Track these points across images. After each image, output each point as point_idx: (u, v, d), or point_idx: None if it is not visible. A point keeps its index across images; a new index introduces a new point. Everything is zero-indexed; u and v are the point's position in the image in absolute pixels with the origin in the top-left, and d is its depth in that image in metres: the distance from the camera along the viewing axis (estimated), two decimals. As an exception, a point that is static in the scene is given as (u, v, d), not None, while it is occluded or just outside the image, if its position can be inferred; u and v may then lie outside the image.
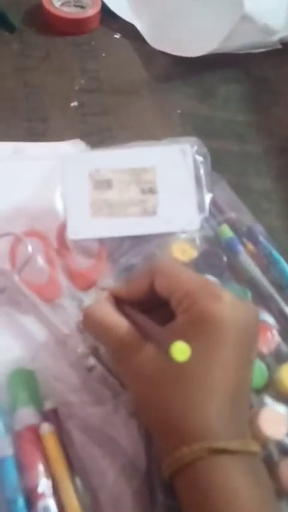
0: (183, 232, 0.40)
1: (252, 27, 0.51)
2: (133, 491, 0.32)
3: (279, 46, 0.56)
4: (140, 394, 0.31)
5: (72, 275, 0.39)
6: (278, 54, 0.56)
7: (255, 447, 0.28)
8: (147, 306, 0.32)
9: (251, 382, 0.31)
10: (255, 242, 0.40)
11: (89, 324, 0.33)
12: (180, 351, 0.26)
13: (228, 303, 0.29)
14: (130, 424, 0.33)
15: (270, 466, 0.31)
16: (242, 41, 0.53)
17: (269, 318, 0.37)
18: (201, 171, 0.42)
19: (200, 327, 0.29)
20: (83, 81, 0.53)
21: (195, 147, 0.42)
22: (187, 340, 0.27)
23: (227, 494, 0.26)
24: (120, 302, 0.33)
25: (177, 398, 0.28)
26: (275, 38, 0.54)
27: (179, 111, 0.52)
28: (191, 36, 0.55)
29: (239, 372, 0.29)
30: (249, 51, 0.55)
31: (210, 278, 0.38)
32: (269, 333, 0.36)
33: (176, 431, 0.28)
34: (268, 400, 0.34)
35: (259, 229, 0.41)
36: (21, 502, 0.30)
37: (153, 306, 0.32)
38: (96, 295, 0.38)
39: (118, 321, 0.31)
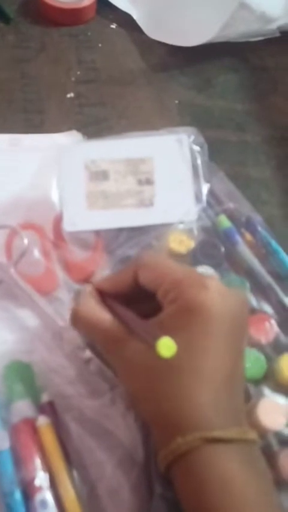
0: (181, 223, 0.40)
1: (250, 15, 0.51)
2: (131, 483, 0.32)
3: (278, 34, 0.55)
4: (132, 388, 0.30)
5: (69, 267, 0.39)
6: (277, 42, 0.56)
7: (251, 435, 0.28)
8: (133, 298, 0.32)
9: (244, 370, 0.31)
10: (254, 232, 0.40)
11: (77, 322, 0.33)
12: (166, 346, 0.26)
13: (214, 291, 0.29)
14: (127, 416, 0.33)
15: (270, 457, 0.31)
16: (240, 30, 0.52)
17: (267, 308, 0.37)
18: (199, 161, 0.41)
19: (187, 317, 0.28)
20: (79, 72, 0.53)
21: (192, 137, 0.42)
22: (175, 330, 0.26)
23: (223, 484, 0.26)
24: (105, 296, 0.33)
25: (168, 389, 0.28)
26: (273, 26, 0.53)
27: (176, 101, 0.52)
28: (188, 26, 0.54)
29: (230, 360, 0.29)
30: (248, 39, 0.54)
31: (208, 269, 0.38)
32: (267, 324, 0.36)
33: (169, 423, 0.28)
34: (267, 391, 0.34)
35: (258, 219, 0.40)
36: (18, 495, 0.30)
37: (139, 299, 0.32)
38: (80, 292, 0.37)
39: (102, 316, 0.31)
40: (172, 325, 0.28)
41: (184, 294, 0.29)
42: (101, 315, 0.31)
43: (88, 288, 0.33)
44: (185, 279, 0.30)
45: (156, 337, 0.26)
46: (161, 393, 0.28)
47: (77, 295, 0.34)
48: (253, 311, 0.37)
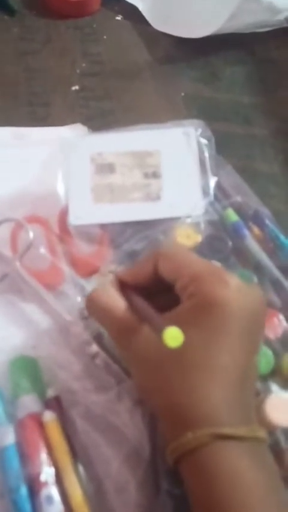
0: (188, 217, 0.39)
1: (257, 6, 0.50)
2: (137, 479, 0.32)
3: (286, 25, 0.54)
4: (142, 379, 0.30)
5: (74, 261, 0.39)
6: (284, 34, 0.55)
7: (261, 434, 0.28)
8: (152, 290, 0.32)
9: (257, 369, 0.31)
10: (262, 226, 0.39)
11: (92, 308, 0.32)
12: (173, 336, 0.25)
13: (234, 288, 0.29)
14: (134, 412, 0.33)
15: (277, 453, 0.31)
16: (246, 21, 0.52)
17: (275, 303, 0.36)
18: (206, 154, 0.41)
19: (205, 313, 0.28)
20: (84, 65, 0.53)
21: (200, 130, 0.42)
22: (192, 325, 0.26)
23: (232, 481, 0.26)
24: (124, 287, 0.32)
25: (181, 382, 0.28)
26: (281, 16, 0.53)
27: (182, 94, 0.51)
28: (195, 17, 0.54)
29: (245, 358, 0.28)
30: (255, 30, 0.54)
31: (215, 263, 0.37)
32: (275, 319, 0.36)
33: (180, 416, 0.28)
34: (274, 387, 0.34)
35: (265, 212, 0.40)
36: (24, 490, 0.29)
37: (158, 291, 0.32)
38: (100, 279, 0.37)
39: (118, 304, 0.31)
40: (189, 319, 0.27)
41: (203, 288, 0.29)
42: (118, 302, 0.31)
43: (109, 277, 0.33)
44: (205, 273, 0.29)
45: (163, 326, 0.25)
46: (173, 386, 0.28)
47: (100, 283, 0.34)
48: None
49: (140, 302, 0.31)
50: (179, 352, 0.27)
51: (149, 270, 0.32)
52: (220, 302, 0.28)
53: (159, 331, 0.26)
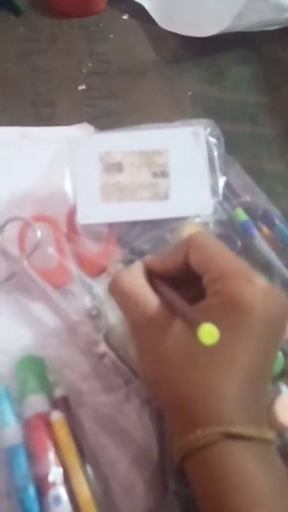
0: (197, 216, 0.39)
1: (264, 4, 0.50)
2: (145, 480, 0.31)
3: (293, 24, 0.54)
4: (153, 371, 0.30)
5: (82, 260, 0.38)
6: (291, 33, 0.55)
7: (270, 435, 0.28)
8: (178, 281, 0.31)
9: (273, 371, 0.30)
10: (271, 225, 0.39)
11: (117, 290, 0.31)
12: (209, 333, 0.25)
13: (260, 290, 0.28)
14: (142, 413, 0.33)
15: (286, 455, 0.30)
16: (253, 20, 0.51)
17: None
18: (215, 154, 0.41)
19: (229, 311, 0.28)
20: (90, 64, 0.52)
21: (209, 129, 0.41)
22: (214, 321, 0.26)
23: (240, 480, 0.26)
24: (152, 275, 0.32)
25: (193, 378, 0.28)
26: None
27: (189, 93, 0.51)
28: (201, 16, 0.54)
29: (263, 360, 0.28)
30: (261, 29, 0.53)
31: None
32: (285, 319, 0.35)
33: (190, 413, 0.27)
34: (284, 387, 0.33)
35: (275, 212, 0.40)
36: (31, 490, 0.29)
37: (184, 282, 0.31)
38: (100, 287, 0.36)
39: (149, 295, 0.30)
40: (213, 316, 0.27)
41: (229, 286, 0.28)
42: (148, 293, 0.30)
43: (138, 263, 0.32)
44: (234, 271, 0.29)
45: (199, 322, 0.25)
46: (187, 381, 0.28)
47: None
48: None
49: (172, 294, 0.30)
50: (196, 346, 0.26)
51: (179, 258, 0.31)
52: (245, 303, 0.28)
53: (194, 326, 0.25)
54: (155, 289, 0.31)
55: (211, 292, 0.29)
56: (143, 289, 0.31)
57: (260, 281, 0.29)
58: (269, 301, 0.28)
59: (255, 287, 0.28)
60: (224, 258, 0.30)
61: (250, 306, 0.28)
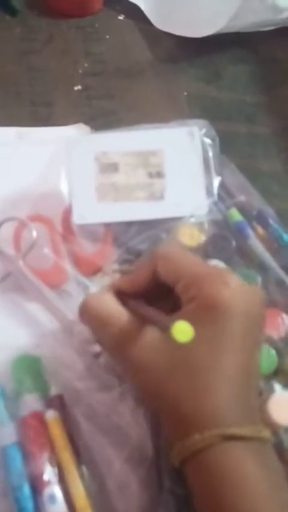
0: (191, 216, 0.39)
1: (260, 4, 0.50)
2: (140, 478, 0.32)
3: (289, 24, 0.54)
4: (145, 384, 0.30)
5: (78, 260, 0.39)
6: (287, 32, 0.55)
7: (266, 434, 0.28)
8: (150, 297, 0.31)
9: (259, 368, 0.31)
10: (266, 225, 0.39)
11: (86, 314, 0.32)
12: (183, 331, 0.25)
13: (235, 288, 0.29)
14: (137, 411, 0.33)
15: (281, 453, 0.31)
16: (249, 20, 0.51)
17: (279, 303, 0.36)
18: (210, 154, 0.41)
19: (207, 314, 0.28)
20: (87, 64, 0.52)
21: (204, 130, 0.41)
22: (194, 327, 0.26)
23: (239, 480, 0.26)
24: (122, 295, 0.32)
25: (186, 385, 0.28)
26: (284, 15, 0.52)
27: (185, 93, 0.51)
28: (197, 16, 0.54)
29: (247, 358, 0.28)
30: (257, 29, 0.53)
31: (219, 263, 0.37)
32: (279, 318, 0.36)
33: (186, 418, 0.27)
34: (278, 386, 0.33)
35: (269, 212, 0.40)
36: (26, 489, 0.29)
37: (157, 297, 0.31)
38: (101, 282, 0.37)
39: (116, 310, 0.30)
40: (191, 321, 0.27)
41: (204, 290, 0.28)
42: (115, 308, 0.30)
43: (105, 286, 0.32)
44: (205, 274, 0.29)
45: (171, 323, 0.25)
46: (176, 388, 0.28)
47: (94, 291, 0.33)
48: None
49: (141, 306, 0.30)
50: (182, 353, 0.26)
51: (147, 274, 0.31)
52: (221, 304, 0.28)
53: (167, 327, 0.25)
54: (127, 307, 0.31)
55: (186, 300, 0.29)
56: (113, 307, 0.30)
57: (234, 281, 0.29)
58: (246, 300, 0.29)
59: (230, 287, 0.28)
60: (194, 264, 0.31)
61: (227, 306, 0.28)
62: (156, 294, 0.31)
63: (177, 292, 0.30)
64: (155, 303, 0.31)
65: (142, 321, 0.30)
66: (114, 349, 0.31)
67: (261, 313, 0.30)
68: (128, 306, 0.31)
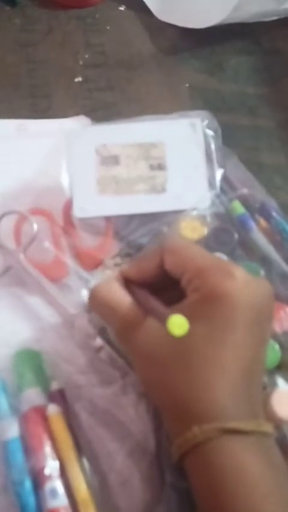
0: (194, 209, 0.39)
1: (263, -5, 0.49)
2: (142, 473, 0.32)
3: (292, 14, 0.53)
4: (146, 375, 0.30)
5: (79, 254, 0.38)
6: (290, 24, 0.54)
7: (268, 428, 0.28)
8: (157, 286, 0.31)
9: (265, 362, 0.30)
10: (268, 218, 0.39)
11: (95, 303, 0.32)
12: (178, 324, 0.25)
13: (241, 280, 0.28)
14: (138, 406, 0.33)
15: (284, 447, 0.30)
16: (252, 10, 0.51)
17: (282, 297, 0.36)
18: (212, 146, 0.41)
19: (211, 306, 0.28)
20: (87, 56, 0.52)
21: (206, 121, 0.41)
22: (197, 318, 0.26)
23: (239, 475, 0.26)
24: (129, 283, 0.32)
25: (186, 376, 0.28)
26: (287, 5, 0.52)
27: (187, 85, 0.51)
28: (199, 7, 0.53)
29: (252, 352, 0.28)
30: (260, 20, 0.53)
31: (222, 256, 0.37)
32: (282, 312, 0.35)
33: (186, 412, 0.27)
34: (281, 380, 0.33)
35: (272, 205, 0.40)
36: (28, 484, 0.29)
37: (163, 287, 0.31)
38: (105, 274, 0.37)
39: (123, 298, 0.31)
40: (195, 312, 0.27)
41: (209, 281, 0.28)
42: (122, 297, 0.31)
43: (113, 273, 0.33)
44: (210, 266, 0.29)
45: (167, 315, 0.25)
46: (178, 380, 0.28)
47: (103, 278, 0.33)
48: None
49: (144, 295, 0.30)
50: (184, 345, 0.26)
51: (154, 265, 0.31)
52: (226, 295, 0.28)
53: (163, 320, 0.25)
54: (133, 295, 0.31)
55: (190, 291, 0.29)
56: (120, 297, 0.31)
57: (239, 272, 0.29)
58: (251, 292, 0.28)
59: (235, 278, 0.28)
60: (200, 256, 0.30)
61: (231, 297, 0.28)
62: (165, 285, 0.31)
63: (183, 284, 0.30)
64: (163, 293, 0.31)
65: (143, 309, 0.30)
66: (120, 336, 0.31)
67: (268, 308, 0.30)
68: (133, 292, 0.31)
